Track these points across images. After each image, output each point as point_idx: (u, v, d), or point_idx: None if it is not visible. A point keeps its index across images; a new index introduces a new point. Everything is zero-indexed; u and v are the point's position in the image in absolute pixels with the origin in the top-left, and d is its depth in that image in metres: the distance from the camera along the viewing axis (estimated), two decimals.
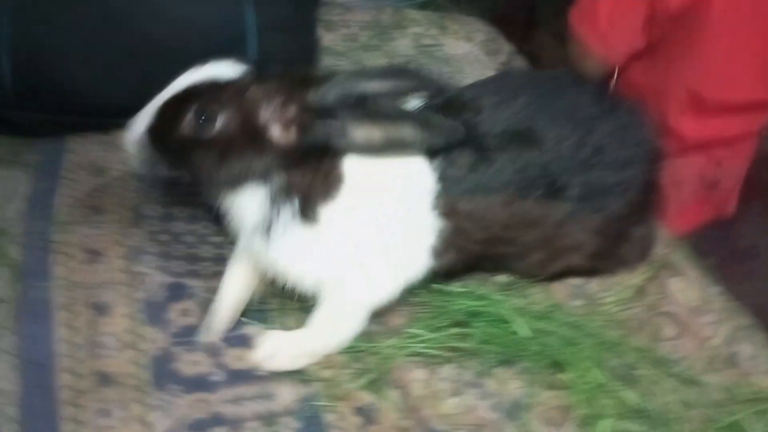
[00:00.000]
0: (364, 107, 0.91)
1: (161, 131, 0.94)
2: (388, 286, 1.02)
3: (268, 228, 0.95)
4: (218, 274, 1.14)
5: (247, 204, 0.96)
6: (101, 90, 1.29)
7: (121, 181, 1.29)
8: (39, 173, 1.27)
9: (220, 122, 0.90)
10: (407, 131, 0.93)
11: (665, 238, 1.25)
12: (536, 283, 1.15)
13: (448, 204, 1.00)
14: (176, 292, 1.10)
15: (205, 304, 1.08)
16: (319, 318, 1.02)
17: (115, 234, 1.17)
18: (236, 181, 0.94)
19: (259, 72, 0.94)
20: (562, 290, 1.17)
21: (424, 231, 1.01)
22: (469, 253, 1.07)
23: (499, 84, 1.19)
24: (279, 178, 0.93)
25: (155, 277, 1.11)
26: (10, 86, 1.25)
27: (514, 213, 1.04)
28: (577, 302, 1.15)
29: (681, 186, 1.43)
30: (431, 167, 0.98)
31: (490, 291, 1.11)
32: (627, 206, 1.10)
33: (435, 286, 1.11)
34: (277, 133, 0.91)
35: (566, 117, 1.07)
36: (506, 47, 1.89)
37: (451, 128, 0.96)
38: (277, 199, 0.93)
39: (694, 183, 1.47)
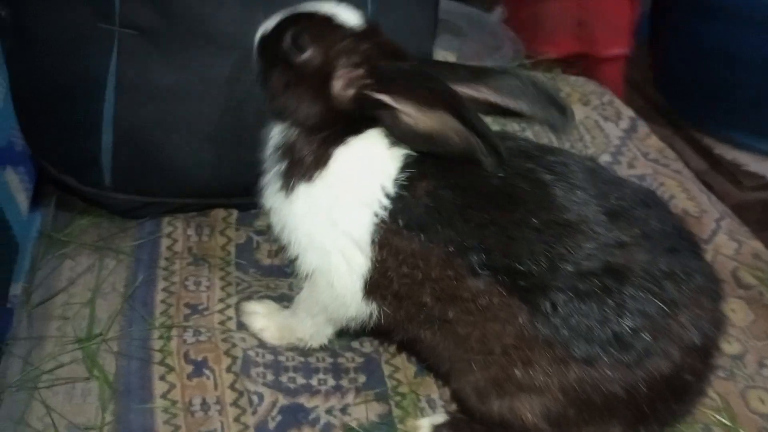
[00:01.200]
0: (421, 88, 0.82)
1: (267, 38, 0.92)
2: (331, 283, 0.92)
3: (266, 175, 0.95)
4: (338, 390, 0.98)
5: (270, 144, 0.95)
6: (204, 170, 1.16)
7: (221, 271, 1.15)
8: (134, 263, 1.13)
9: (306, 54, 0.88)
10: (453, 132, 0.80)
11: None
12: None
13: (384, 231, 0.86)
14: (291, 417, 0.94)
15: (327, 430, 0.92)
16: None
17: (220, 340, 1.02)
18: (283, 114, 0.92)
19: (368, 30, 0.90)
20: (751, 423, 0.96)
21: (357, 255, 0.89)
22: (391, 313, 0.90)
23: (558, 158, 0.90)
24: (293, 135, 0.91)
25: (267, 397, 0.95)
26: (109, 166, 1.13)
27: (445, 280, 0.84)
28: None
29: (554, 20, 2.17)
30: (394, 183, 0.86)
31: None
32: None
33: None
34: (338, 88, 0.88)
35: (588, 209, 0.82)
36: (626, 111, 1.71)
37: (497, 155, 0.81)
38: (279, 153, 0.93)
39: (564, 20, 2.16)
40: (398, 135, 0.85)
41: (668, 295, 0.79)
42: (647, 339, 0.78)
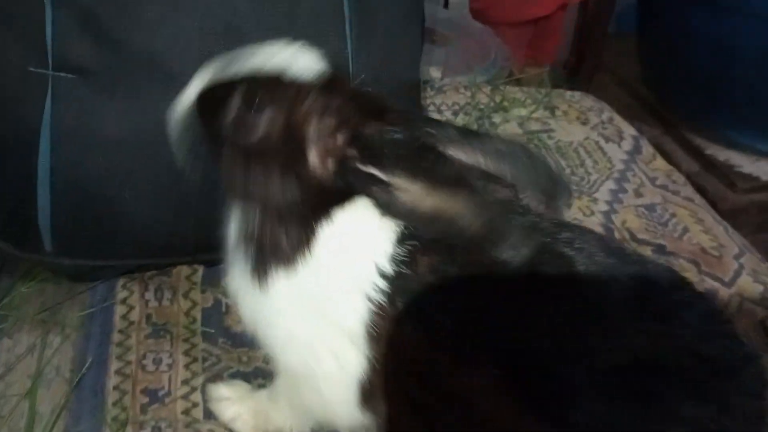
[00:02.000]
0: (422, 162, 0.68)
1: (205, 104, 0.75)
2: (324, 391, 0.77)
3: (231, 258, 0.79)
4: None
5: (232, 228, 0.78)
6: (162, 227, 1.01)
7: (185, 343, 1.00)
8: (83, 341, 0.98)
9: (262, 120, 0.71)
10: (465, 211, 0.66)
11: None
12: None
13: (382, 320, 0.71)
14: None
15: None
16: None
17: None
18: (247, 197, 0.74)
19: (334, 79, 0.74)
20: None
21: (351, 353, 0.73)
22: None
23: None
24: (262, 219, 0.73)
25: None
26: (48, 228, 0.97)
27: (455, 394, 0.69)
28: None
29: None
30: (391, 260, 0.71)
31: None
32: None
33: None
34: (315, 160, 0.71)
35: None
36: (628, 130, 1.58)
37: (513, 242, 0.68)
38: (245, 240, 0.75)
39: None
40: (395, 213, 0.70)
41: (715, 393, 0.66)
42: None
